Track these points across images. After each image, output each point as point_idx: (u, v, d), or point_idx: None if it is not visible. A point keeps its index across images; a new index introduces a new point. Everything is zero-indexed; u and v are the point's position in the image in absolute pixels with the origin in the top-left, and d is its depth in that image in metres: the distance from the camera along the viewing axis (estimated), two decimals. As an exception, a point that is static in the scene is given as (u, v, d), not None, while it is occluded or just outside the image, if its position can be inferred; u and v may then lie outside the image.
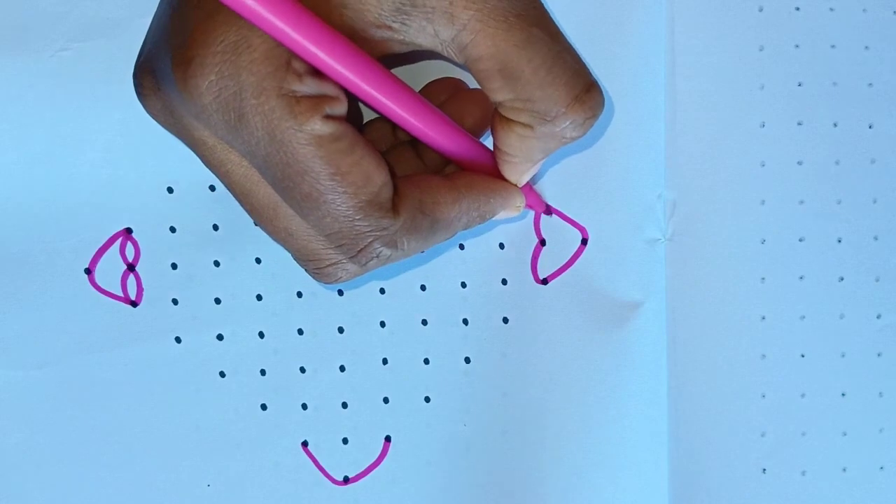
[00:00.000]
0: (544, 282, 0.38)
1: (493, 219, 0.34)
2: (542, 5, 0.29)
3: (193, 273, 0.37)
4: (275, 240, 0.31)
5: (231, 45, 0.26)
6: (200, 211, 0.37)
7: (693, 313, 0.38)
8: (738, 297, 0.38)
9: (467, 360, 0.38)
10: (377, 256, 0.30)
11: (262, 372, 0.38)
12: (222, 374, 0.38)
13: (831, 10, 0.38)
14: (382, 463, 0.38)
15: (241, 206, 0.30)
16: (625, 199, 0.37)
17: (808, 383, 0.39)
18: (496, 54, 0.28)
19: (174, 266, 0.37)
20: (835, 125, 0.38)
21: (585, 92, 0.30)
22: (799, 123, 0.38)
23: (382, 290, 0.38)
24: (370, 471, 0.38)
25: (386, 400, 0.38)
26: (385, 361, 0.38)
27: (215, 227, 0.37)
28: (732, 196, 0.38)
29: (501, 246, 0.37)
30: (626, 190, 0.37)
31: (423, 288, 0.38)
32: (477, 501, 0.38)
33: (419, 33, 0.28)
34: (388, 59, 0.29)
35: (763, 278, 0.38)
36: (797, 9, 0.37)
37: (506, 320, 0.38)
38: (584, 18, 0.37)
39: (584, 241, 0.37)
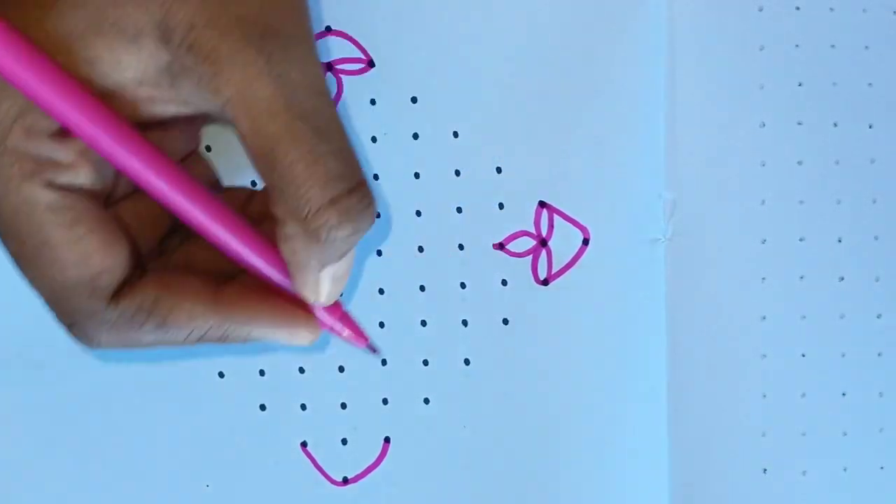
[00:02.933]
0: (544, 282, 0.38)
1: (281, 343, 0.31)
2: (324, 97, 0.27)
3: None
4: None
5: None
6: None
7: (693, 313, 0.38)
8: (738, 297, 0.38)
9: (467, 362, 0.38)
10: (86, 338, 0.28)
11: (262, 372, 0.38)
12: (221, 375, 0.38)
13: (831, 10, 0.38)
14: (381, 464, 0.38)
15: None
16: (625, 199, 0.37)
17: (809, 383, 0.39)
18: (255, 137, 0.26)
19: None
20: (835, 125, 0.38)
21: (345, 195, 0.27)
22: (799, 123, 0.38)
23: (381, 291, 0.38)
24: (369, 472, 0.38)
25: (385, 401, 0.38)
26: (384, 362, 0.38)
27: (214, 228, 0.37)
28: (732, 196, 0.38)
29: (501, 246, 0.37)
30: (626, 190, 0.37)
31: (422, 289, 0.38)
32: (476, 502, 0.38)
33: (189, 99, 0.27)
34: (160, 123, 0.28)
35: (763, 278, 0.38)
36: (797, 9, 0.37)
37: (506, 321, 0.38)
38: (584, 19, 0.37)
39: (586, 242, 0.37)
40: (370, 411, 0.38)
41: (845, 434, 0.39)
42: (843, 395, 0.39)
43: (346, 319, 0.32)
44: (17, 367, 0.37)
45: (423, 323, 0.38)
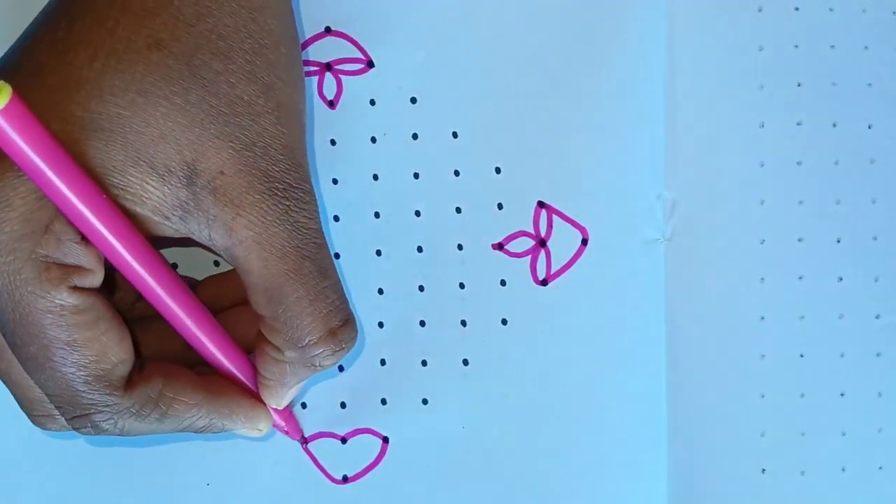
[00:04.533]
0: (543, 283, 0.38)
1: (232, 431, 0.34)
2: (321, 239, 0.31)
3: (194, 272, 0.37)
4: None
5: None
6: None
7: (692, 313, 0.38)
8: (737, 298, 0.38)
9: (465, 362, 0.38)
10: (92, 427, 0.30)
11: (262, 372, 0.38)
12: (222, 374, 0.38)
13: (831, 10, 0.38)
14: (381, 463, 0.38)
15: None
16: (624, 199, 0.37)
17: (808, 383, 0.39)
18: (265, 276, 0.29)
19: (175, 266, 0.37)
20: (834, 125, 0.38)
21: (340, 326, 0.31)
22: (798, 123, 0.38)
23: (381, 291, 0.38)
24: (369, 470, 0.38)
25: (384, 401, 0.38)
26: (383, 362, 0.38)
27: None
28: (732, 196, 0.38)
29: (500, 247, 0.37)
30: (626, 190, 0.37)
31: (421, 289, 0.38)
32: (475, 502, 0.38)
33: (195, 232, 0.29)
34: (157, 239, 0.30)
35: (762, 278, 0.38)
36: (797, 9, 0.37)
37: (504, 322, 0.38)
38: (584, 18, 0.37)
39: (584, 242, 0.37)
40: (369, 411, 0.38)
41: (844, 434, 0.39)
42: (842, 395, 0.39)
43: (291, 417, 0.37)
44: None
45: (422, 323, 0.38)
